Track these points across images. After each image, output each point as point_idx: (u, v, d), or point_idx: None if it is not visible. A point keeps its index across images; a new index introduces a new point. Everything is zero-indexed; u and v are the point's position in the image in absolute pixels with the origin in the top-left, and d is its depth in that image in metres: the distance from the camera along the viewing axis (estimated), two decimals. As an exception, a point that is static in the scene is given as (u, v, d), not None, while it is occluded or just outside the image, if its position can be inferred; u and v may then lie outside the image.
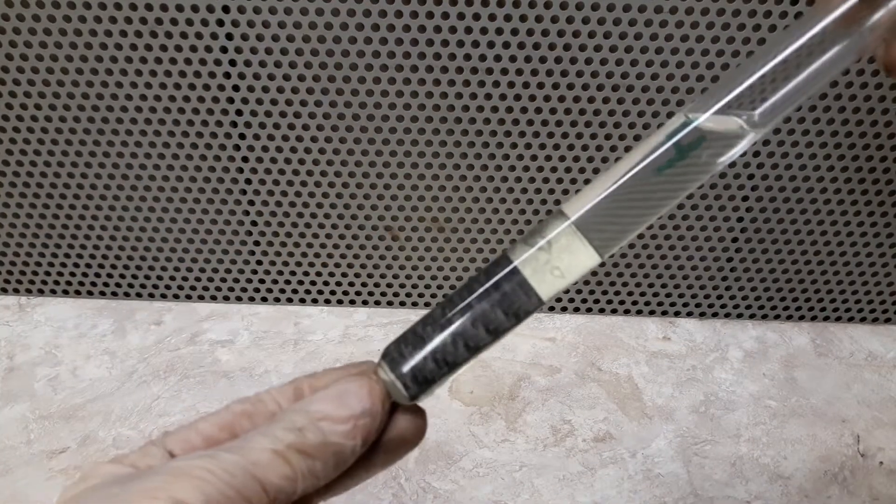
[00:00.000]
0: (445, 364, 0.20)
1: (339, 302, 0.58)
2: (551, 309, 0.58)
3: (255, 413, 0.20)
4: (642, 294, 0.57)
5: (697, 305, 0.58)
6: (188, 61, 0.46)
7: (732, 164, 0.50)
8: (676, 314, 0.58)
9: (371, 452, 0.20)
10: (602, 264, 0.21)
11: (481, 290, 0.21)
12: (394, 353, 0.21)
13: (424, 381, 0.20)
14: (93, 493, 0.17)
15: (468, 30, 0.45)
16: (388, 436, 0.20)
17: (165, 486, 0.16)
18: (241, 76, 0.47)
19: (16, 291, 0.58)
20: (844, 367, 0.54)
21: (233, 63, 0.46)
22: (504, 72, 0.46)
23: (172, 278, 0.57)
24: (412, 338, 0.21)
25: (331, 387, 0.19)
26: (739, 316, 0.58)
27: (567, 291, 0.57)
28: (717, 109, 0.20)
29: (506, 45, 0.45)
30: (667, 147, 0.20)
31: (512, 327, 0.21)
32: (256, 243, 0.55)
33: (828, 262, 0.55)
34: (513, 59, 0.46)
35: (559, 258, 0.21)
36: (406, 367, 0.20)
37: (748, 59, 0.22)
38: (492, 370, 0.52)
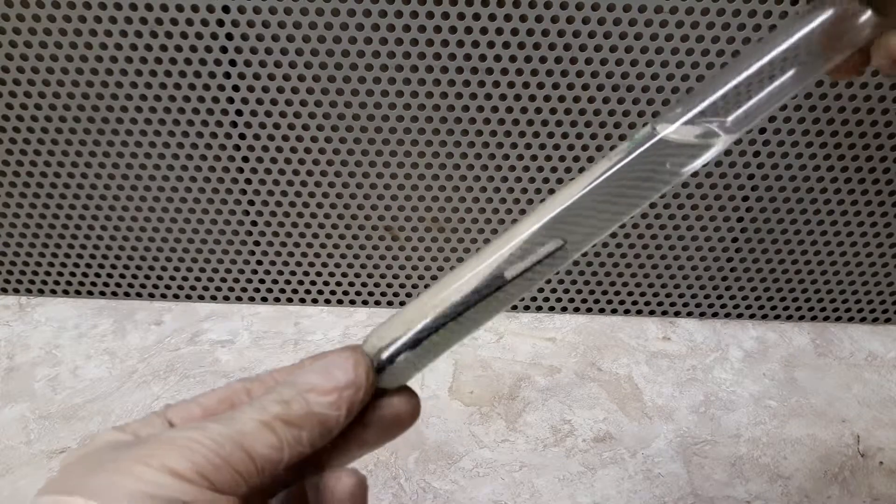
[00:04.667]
0: (421, 338, 0.21)
1: (339, 302, 0.58)
2: (551, 309, 0.58)
3: (254, 389, 0.21)
4: (642, 294, 0.57)
5: (697, 305, 0.58)
6: (188, 61, 0.46)
7: (732, 164, 0.50)
8: (676, 314, 0.58)
9: (363, 430, 0.21)
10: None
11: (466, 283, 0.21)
12: (379, 332, 0.21)
13: (399, 357, 0.21)
14: (91, 456, 0.18)
15: (468, 30, 0.45)
16: (382, 413, 0.21)
17: (157, 454, 0.17)
18: (241, 76, 0.47)
19: (16, 291, 0.58)
20: (844, 367, 0.54)
21: (233, 63, 0.46)
22: (504, 72, 0.46)
23: (172, 278, 0.57)
24: (396, 318, 0.22)
25: (318, 361, 0.20)
26: (739, 316, 0.58)
27: (567, 291, 0.57)
28: (685, 121, 0.21)
29: (506, 45, 0.45)
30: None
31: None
32: (256, 243, 0.55)
33: (828, 262, 0.55)
34: (513, 59, 0.46)
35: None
36: (387, 345, 0.21)
37: (723, 68, 0.23)
38: (492, 370, 0.52)
